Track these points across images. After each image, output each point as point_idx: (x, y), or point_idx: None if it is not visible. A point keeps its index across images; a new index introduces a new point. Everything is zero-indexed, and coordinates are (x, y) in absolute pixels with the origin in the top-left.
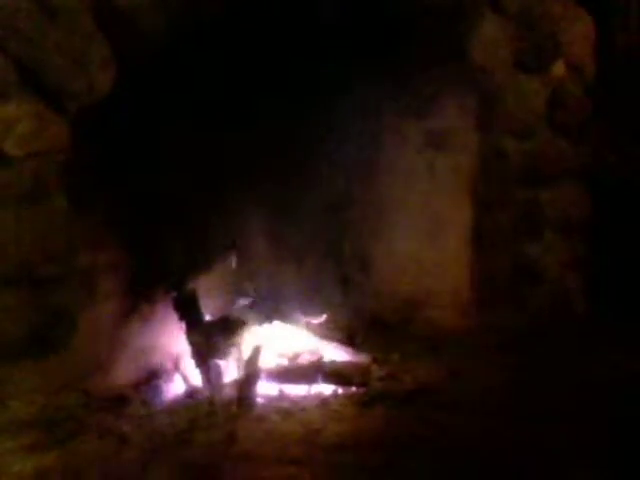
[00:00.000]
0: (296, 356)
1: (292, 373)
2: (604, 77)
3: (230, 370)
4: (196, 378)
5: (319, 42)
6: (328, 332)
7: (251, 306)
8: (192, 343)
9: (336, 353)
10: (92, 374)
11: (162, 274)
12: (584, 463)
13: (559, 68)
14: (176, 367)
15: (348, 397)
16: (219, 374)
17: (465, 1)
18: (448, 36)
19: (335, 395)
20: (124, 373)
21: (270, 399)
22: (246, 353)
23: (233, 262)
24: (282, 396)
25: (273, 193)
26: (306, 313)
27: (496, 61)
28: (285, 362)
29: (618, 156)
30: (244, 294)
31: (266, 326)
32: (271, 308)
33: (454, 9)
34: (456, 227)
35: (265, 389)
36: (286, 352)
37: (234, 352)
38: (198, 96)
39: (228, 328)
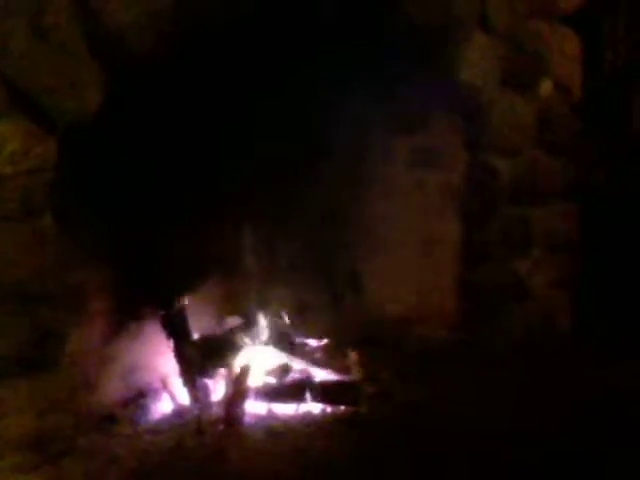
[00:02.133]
0: (285, 375)
1: (281, 392)
2: (592, 96)
3: (218, 389)
4: (184, 397)
5: (309, 62)
6: (318, 351)
7: (241, 325)
8: (180, 362)
9: (325, 372)
10: (81, 393)
11: (151, 293)
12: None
13: (547, 87)
14: (164, 386)
15: (337, 416)
16: (207, 393)
17: (454, 20)
18: (437, 54)
19: (324, 414)
20: (113, 392)
21: (258, 418)
22: (234, 372)
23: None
24: (270, 415)
25: (264, 211)
26: (298, 332)
27: (484, 80)
28: (273, 381)
29: (606, 174)
30: (234, 313)
31: (255, 345)
32: (261, 327)
33: (443, 27)
34: (445, 244)
35: (253, 408)
36: (274, 371)
37: (222, 371)
38: (188, 113)
39: (217, 347)
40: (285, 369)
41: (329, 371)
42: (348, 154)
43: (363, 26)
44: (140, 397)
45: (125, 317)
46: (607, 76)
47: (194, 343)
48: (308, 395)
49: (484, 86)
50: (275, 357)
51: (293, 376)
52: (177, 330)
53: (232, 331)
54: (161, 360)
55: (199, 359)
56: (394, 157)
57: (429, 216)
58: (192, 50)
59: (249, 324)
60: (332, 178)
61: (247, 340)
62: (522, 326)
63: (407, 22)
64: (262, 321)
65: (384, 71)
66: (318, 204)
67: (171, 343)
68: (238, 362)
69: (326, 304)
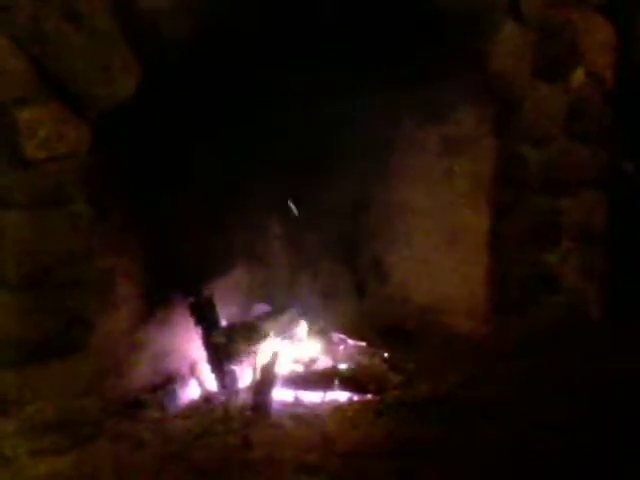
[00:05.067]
0: (312, 363)
1: (308, 380)
2: (624, 86)
3: (246, 375)
4: (212, 383)
5: (340, 48)
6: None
7: (269, 312)
8: (208, 348)
9: (351, 360)
10: (108, 378)
11: (179, 279)
12: (599, 470)
13: (579, 77)
14: (192, 372)
15: (363, 404)
16: (235, 379)
17: (484, 8)
18: (467, 43)
19: (350, 402)
20: (140, 377)
21: (285, 405)
22: (262, 359)
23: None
24: (297, 402)
25: (289, 198)
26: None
27: (515, 69)
28: (301, 368)
29: (635, 164)
30: (262, 301)
31: (284, 333)
32: (289, 315)
33: (473, 16)
34: (473, 234)
35: (280, 395)
36: (302, 358)
37: (250, 358)
38: (218, 101)
39: (245, 334)
40: (312, 357)
41: (355, 360)
42: (376, 143)
43: (390, 14)
44: (168, 383)
45: (154, 303)
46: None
47: (222, 330)
48: (335, 383)
49: (515, 75)
50: (302, 345)
51: (320, 364)
52: (205, 317)
53: (260, 318)
54: (189, 346)
55: (227, 346)
56: (423, 146)
57: (457, 206)
58: (227, 39)
59: (276, 312)
60: (360, 167)
61: (275, 327)
62: (552, 317)
63: (435, 9)
64: (289, 309)
65: (413, 61)
66: (345, 193)
67: (199, 330)
68: (266, 349)
69: (351, 293)
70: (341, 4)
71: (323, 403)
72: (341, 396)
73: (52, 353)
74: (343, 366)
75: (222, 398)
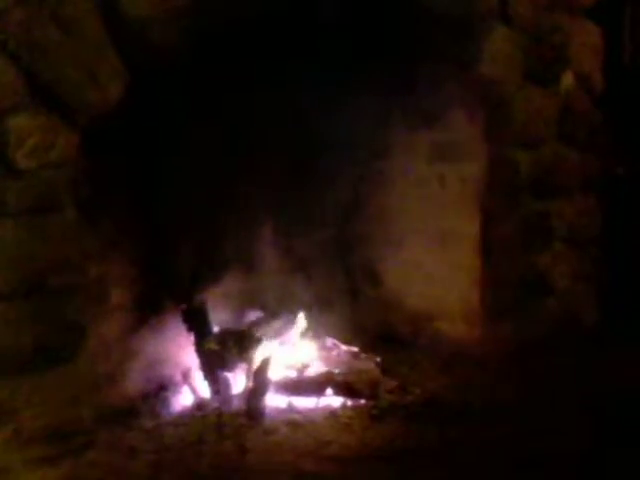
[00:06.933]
0: (305, 368)
1: (301, 385)
2: (612, 89)
3: (239, 382)
4: (205, 390)
5: (327, 55)
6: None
7: (261, 319)
8: (201, 355)
9: (345, 365)
10: (101, 386)
11: (172, 286)
12: (593, 473)
13: (568, 80)
14: (185, 379)
15: (357, 409)
16: (228, 386)
17: (475, 12)
18: (457, 47)
19: (344, 407)
20: (133, 385)
21: (279, 411)
22: (255, 365)
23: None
24: (291, 408)
25: (282, 204)
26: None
27: (505, 73)
28: (294, 374)
29: (626, 168)
30: (254, 306)
31: (277, 339)
32: (282, 321)
33: (464, 20)
34: (465, 238)
35: (274, 401)
36: (295, 364)
37: (244, 364)
38: (208, 107)
39: (238, 340)
40: (305, 363)
41: (349, 365)
42: (368, 148)
43: (382, 19)
44: (161, 390)
45: (146, 310)
46: (627, 69)
47: (215, 336)
48: (328, 388)
49: (505, 79)
50: (296, 351)
51: (313, 369)
52: (198, 323)
53: (253, 324)
54: (182, 353)
55: (220, 352)
56: (414, 151)
57: (449, 210)
58: (214, 46)
59: (269, 318)
60: (351, 172)
61: (267, 334)
62: (544, 321)
63: (427, 14)
64: (282, 315)
65: (404, 65)
66: (337, 198)
67: (192, 336)
68: (259, 355)
69: (344, 298)
70: (334, 8)
71: (317, 408)
72: (335, 401)
73: (45, 361)
74: (337, 371)
75: (215, 405)
